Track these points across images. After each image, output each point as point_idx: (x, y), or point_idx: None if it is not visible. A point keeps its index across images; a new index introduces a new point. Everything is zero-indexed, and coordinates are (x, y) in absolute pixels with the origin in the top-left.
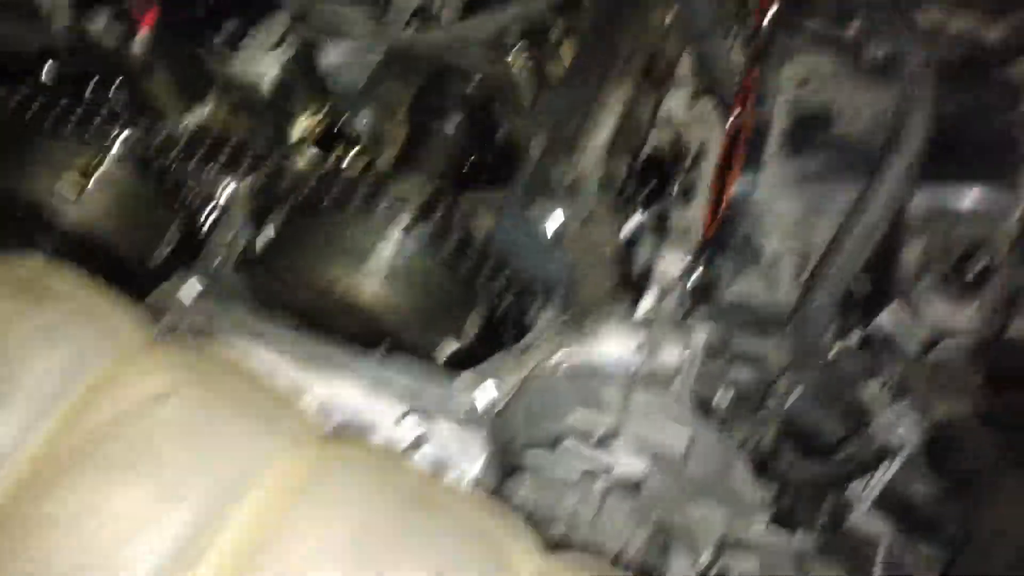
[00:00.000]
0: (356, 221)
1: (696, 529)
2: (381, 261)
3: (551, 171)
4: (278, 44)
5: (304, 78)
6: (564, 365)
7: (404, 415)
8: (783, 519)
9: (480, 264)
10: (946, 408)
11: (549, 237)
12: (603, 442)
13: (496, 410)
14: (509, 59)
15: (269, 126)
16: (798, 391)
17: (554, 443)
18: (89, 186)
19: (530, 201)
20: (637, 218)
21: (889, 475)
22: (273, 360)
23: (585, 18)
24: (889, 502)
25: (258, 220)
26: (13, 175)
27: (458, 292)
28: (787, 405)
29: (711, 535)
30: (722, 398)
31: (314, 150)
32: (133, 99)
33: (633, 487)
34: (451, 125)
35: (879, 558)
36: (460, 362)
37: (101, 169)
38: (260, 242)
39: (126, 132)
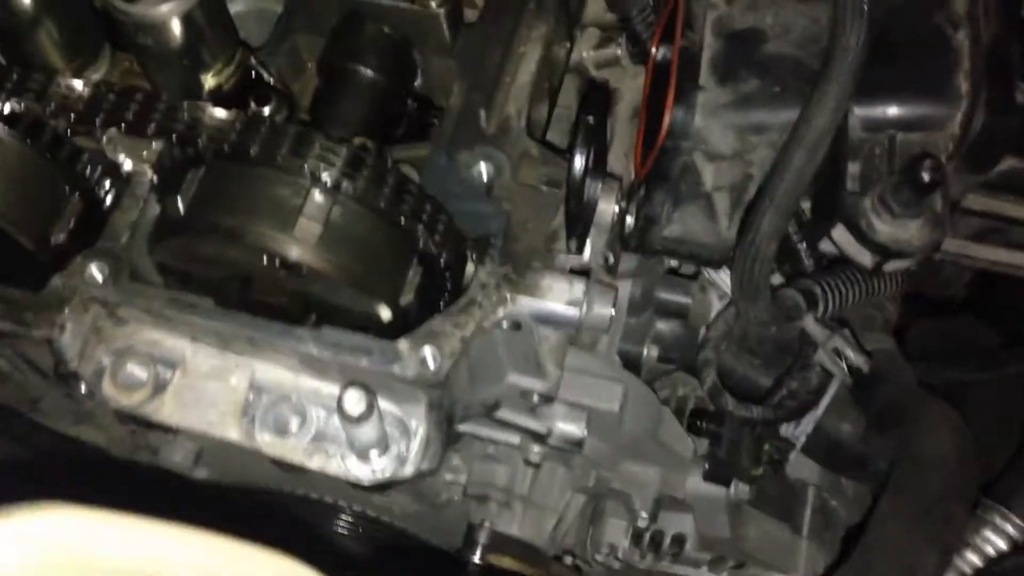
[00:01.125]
0: (283, 174)
1: (632, 490)
2: (312, 215)
3: (476, 115)
4: None
5: (213, 25)
6: (503, 324)
7: (343, 390)
8: (717, 473)
9: (416, 215)
10: (873, 341)
11: (481, 186)
12: (538, 408)
13: (437, 378)
14: None
15: (176, 81)
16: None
17: (491, 410)
18: None
19: (457, 148)
20: (578, 161)
21: (820, 413)
22: (190, 347)
23: None
24: (817, 445)
25: (173, 185)
26: None
27: (395, 249)
28: (720, 351)
29: (647, 495)
30: (649, 353)
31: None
32: (16, 58)
33: (569, 452)
34: (368, 70)
35: (809, 502)
36: (396, 328)
37: None
38: (180, 205)
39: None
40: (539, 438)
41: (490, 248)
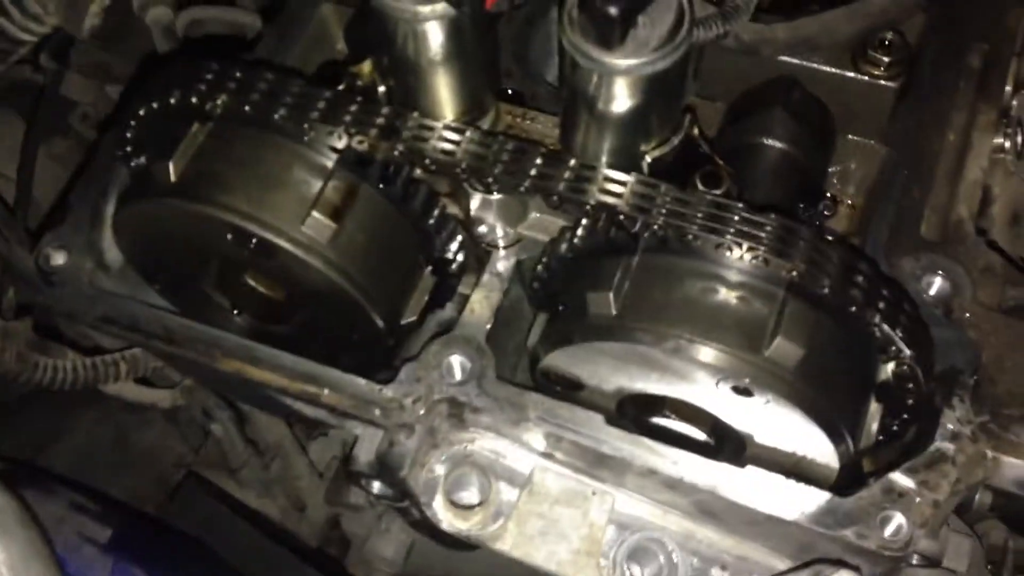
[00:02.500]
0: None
1: None
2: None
3: (918, 214)
4: None
5: (679, 85)
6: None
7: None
8: None
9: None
10: None
11: (934, 304)
12: None
13: (902, 552)
14: None
15: (613, 146)
16: None
17: None
18: None
19: (897, 253)
20: None
21: None
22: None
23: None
24: None
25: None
26: None
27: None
28: None
29: None
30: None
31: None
32: (404, 101)
33: None
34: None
35: None
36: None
37: None
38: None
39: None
40: None
41: (959, 388)
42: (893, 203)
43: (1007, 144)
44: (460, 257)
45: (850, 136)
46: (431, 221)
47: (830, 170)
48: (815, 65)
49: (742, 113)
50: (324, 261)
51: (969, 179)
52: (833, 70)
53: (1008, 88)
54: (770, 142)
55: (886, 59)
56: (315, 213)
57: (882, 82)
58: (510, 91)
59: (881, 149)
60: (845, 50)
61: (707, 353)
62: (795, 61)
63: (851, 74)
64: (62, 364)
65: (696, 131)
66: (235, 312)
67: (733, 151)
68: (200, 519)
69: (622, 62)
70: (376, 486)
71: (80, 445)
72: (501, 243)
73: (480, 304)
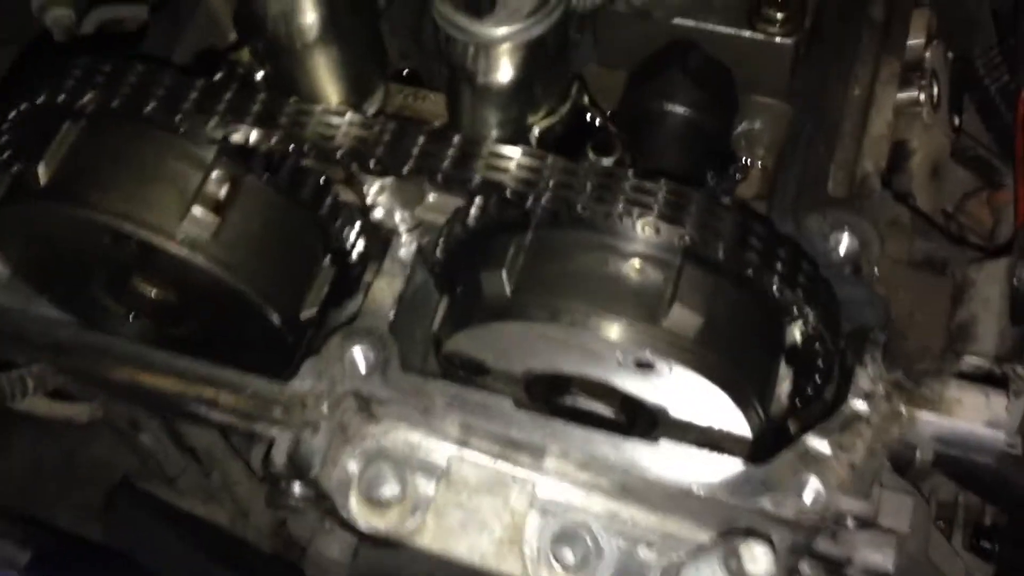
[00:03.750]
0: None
1: None
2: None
3: (823, 171)
4: None
5: (559, 54)
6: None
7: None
8: None
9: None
10: None
11: (842, 262)
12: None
13: (819, 518)
14: None
15: (498, 120)
16: None
17: None
18: None
19: (803, 211)
20: None
21: None
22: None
23: None
24: None
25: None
26: None
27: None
28: None
29: None
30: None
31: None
32: (285, 88)
33: None
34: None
35: None
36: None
37: None
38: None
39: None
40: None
41: (870, 345)
42: (799, 162)
43: (922, 97)
44: (360, 245)
45: (755, 97)
46: (324, 209)
47: (739, 131)
48: (711, 26)
49: (641, 80)
50: (208, 258)
51: (874, 133)
52: (729, 30)
53: (921, 40)
54: (671, 107)
55: (780, 15)
56: (195, 208)
57: (778, 39)
58: (407, 71)
59: (787, 108)
60: (740, 9)
61: (604, 326)
62: (691, 23)
63: (747, 33)
64: None
65: (586, 99)
66: (130, 317)
67: (636, 119)
68: (133, 534)
69: (494, 31)
70: (297, 489)
71: (26, 464)
72: (402, 228)
73: (382, 292)
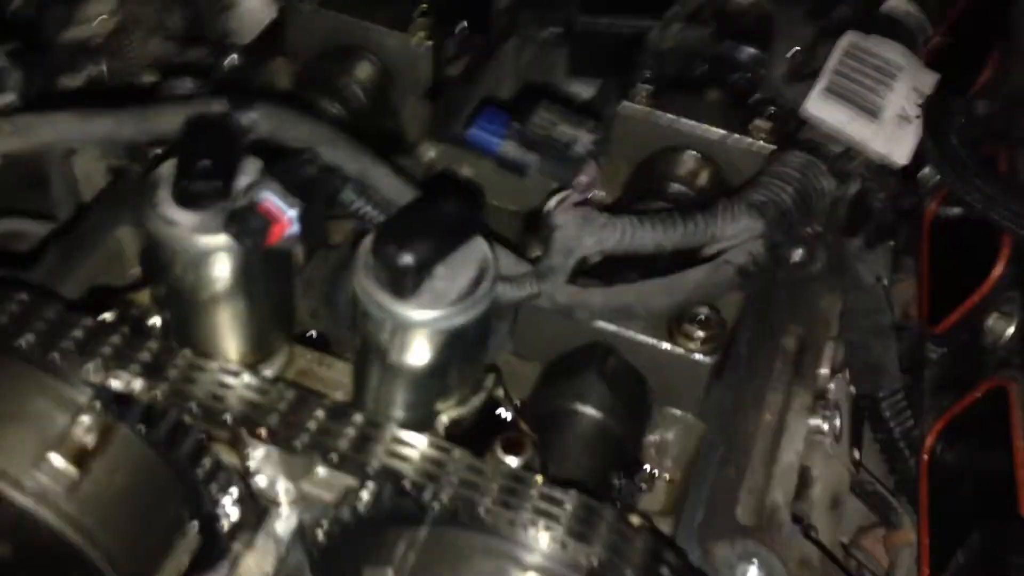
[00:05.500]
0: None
1: None
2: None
3: (732, 497)
4: None
5: (481, 341)
6: None
7: None
8: None
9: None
10: None
11: None
12: None
13: None
14: None
15: (407, 403)
16: None
17: None
18: None
19: (711, 538)
20: None
21: None
22: None
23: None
24: None
25: None
26: None
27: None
28: None
29: None
30: None
31: None
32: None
33: None
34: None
35: None
36: None
37: None
38: None
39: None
40: None
41: None
42: (708, 482)
43: (825, 427)
44: (234, 514)
45: (668, 408)
46: (200, 471)
47: (649, 440)
48: (631, 334)
49: (556, 376)
50: (58, 514)
51: (784, 462)
52: (649, 340)
53: (826, 371)
54: (583, 409)
55: (701, 334)
56: (53, 456)
57: (696, 356)
58: (312, 334)
59: (698, 423)
60: (662, 321)
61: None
62: (612, 328)
63: (666, 346)
64: None
65: (501, 392)
66: None
67: (545, 416)
68: None
69: (415, 313)
70: None
71: None
72: (283, 499)
73: (249, 570)
